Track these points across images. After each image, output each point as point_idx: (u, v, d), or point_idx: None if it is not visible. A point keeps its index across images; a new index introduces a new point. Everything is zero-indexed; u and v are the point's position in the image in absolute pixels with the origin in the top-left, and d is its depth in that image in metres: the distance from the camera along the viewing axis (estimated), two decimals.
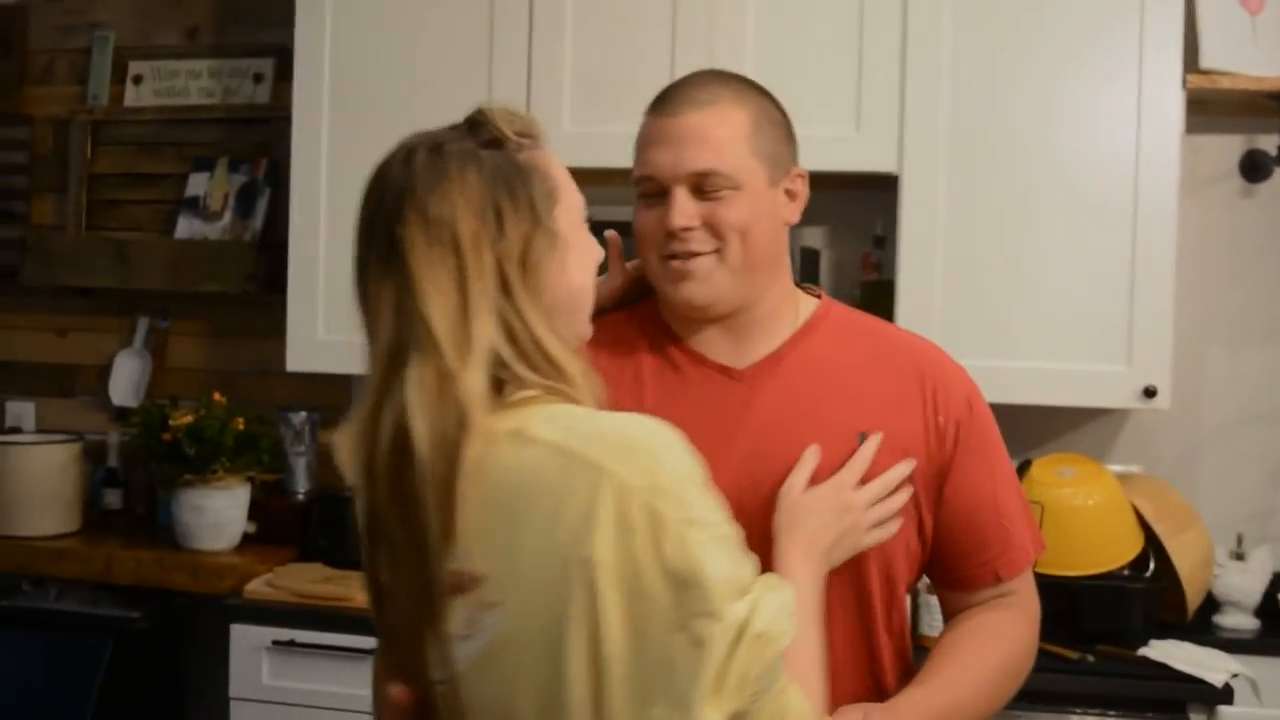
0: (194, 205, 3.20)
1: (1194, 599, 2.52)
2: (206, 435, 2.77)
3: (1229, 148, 2.78)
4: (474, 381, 1.05)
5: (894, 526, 1.37)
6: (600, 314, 1.45)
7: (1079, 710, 2.31)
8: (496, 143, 1.12)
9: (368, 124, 2.76)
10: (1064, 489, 2.49)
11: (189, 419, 2.79)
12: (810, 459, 1.34)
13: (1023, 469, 2.57)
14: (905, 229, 2.58)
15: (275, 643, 2.60)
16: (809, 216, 1.49)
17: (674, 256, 1.36)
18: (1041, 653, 1.51)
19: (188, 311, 3.29)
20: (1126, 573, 2.48)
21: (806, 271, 2.72)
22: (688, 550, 0.99)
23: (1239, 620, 2.55)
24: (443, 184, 1.08)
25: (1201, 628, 2.53)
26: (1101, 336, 2.53)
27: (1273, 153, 2.64)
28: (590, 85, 2.67)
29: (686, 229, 1.35)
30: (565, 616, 1.00)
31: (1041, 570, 1.50)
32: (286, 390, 3.11)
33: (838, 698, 1.32)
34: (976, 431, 1.44)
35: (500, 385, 1.08)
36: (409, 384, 1.05)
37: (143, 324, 3.29)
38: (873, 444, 1.36)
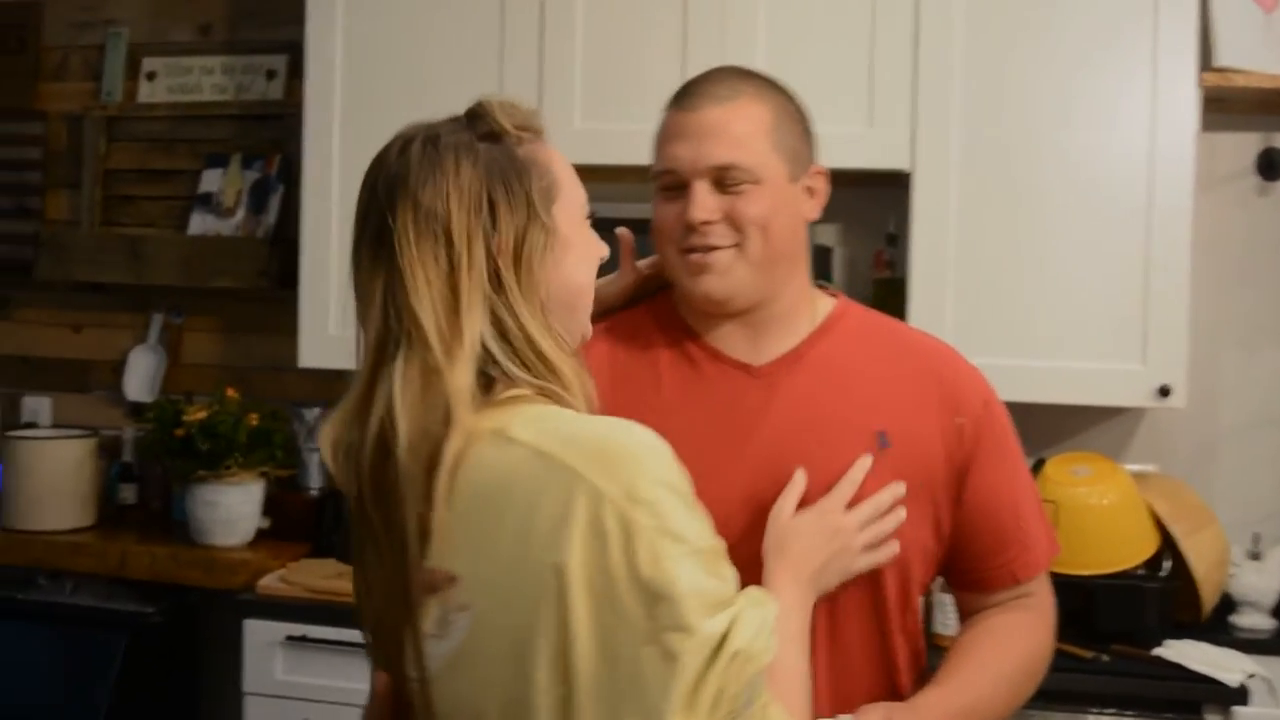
0: (207, 201, 3.21)
1: (1210, 599, 2.50)
2: (220, 431, 2.78)
3: (1245, 146, 2.77)
4: (460, 378, 1.03)
5: (889, 550, 1.34)
6: (608, 313, 1.45)
7: (1094, 710, 2.30)
8: (495, 135, 1.11)
9: (379, 120, 2.71)
10: (1079, 488, 2.48)
11: (202, 414, 2.80)
12: (798, 483, 1.32)
13: (1037, 468, 2.55)
14: (918, 227, 2.57)
15: (288, 638, 2.61)
16: (821, 214, 1.48)
17: (693, 250, 1.36)
18: (1056, 652, 1.50)
19: (201, 307, 3.29)
20: (1142, 572, 2.46)
21: (819, 269, 2.71)
22: (661, 562, 0.96)
23: (1255, 620, 2.53)
24: (436, 175, 1.07)
25: (1217, 628, 2.51)
26: (1116, 335, 2.52)
27: None
28: (601, 83, 2.67)
29: (707, 223, 1.34)
30: (535, 623, 0.98)
31: (1056, 569, 1.50)
32: (300, 386, 3.12)
33: (852, 698, 1.32)
34: (994, 432, 1.44)
35: (490, 383, 1.06)
36: (394, 378, 1.04)
37: (157, 320, 3.31)
38: (863, 465, 1.34)
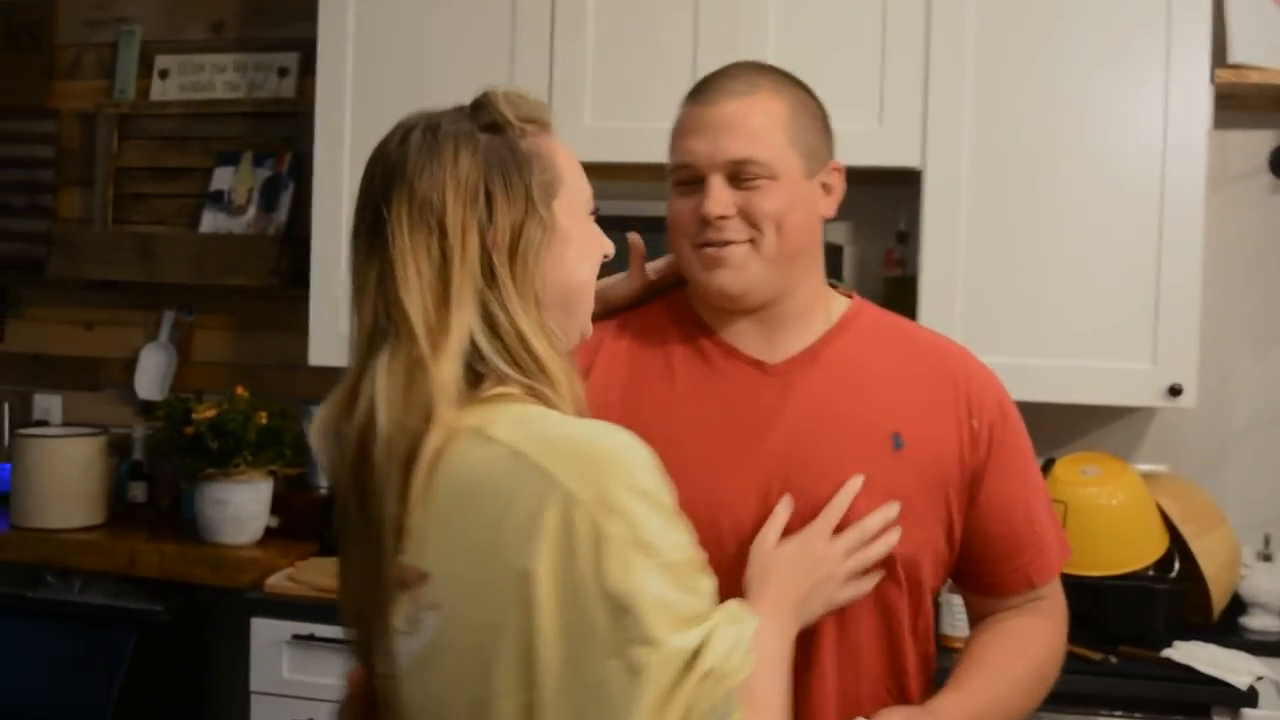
0: (219, 199, 3.22)
1: (1220, 600, 2.49)
2: (229, 429, 2.78)
3: (1258, 143, 2.75)
4: (445, 372, 1.01)
5: (871, 580, 1.32)
6: (614, 314, 1.45)
7: (1102, 712, 2.29)
8: (497, 126, 1.09)
9: (390, 118, 2.71)
10: (1088, 488, 2.47)
11: (212, 413, 2.80)
12: (781, 514, 1.30)
13: (1046, 467, 2.54)
14: (928, 225, 2.56)
15: (296, 637, 2.61)
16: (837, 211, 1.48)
17: (708, 245, 1.35)
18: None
19: (212, 305, 3.30)
20: (1151, 573, 2.45)
21: (830, 267, 2.67)
22: (629, 574, 0.93)
23: (1265, 622, 2.52)
24: (434, 165, 1.05)
25: (1227, 629, 2.50)
26: (1126, 334, 2.51)
27: None
28: (612, 80, 2.66)
29: (722, 217, 1.33)
30: (502, 627, 0.95)
31: (1065, 570, 1.49)
32: (309, 384, 3.12)
33: (862, 702, 1.32)
34: (1009, 436, 1.43)
35: (478, 378, 1.04)
36: (379, 370, 1.02)
37: (168, 318, 3.31)
38: (851, 489, 1.32)
